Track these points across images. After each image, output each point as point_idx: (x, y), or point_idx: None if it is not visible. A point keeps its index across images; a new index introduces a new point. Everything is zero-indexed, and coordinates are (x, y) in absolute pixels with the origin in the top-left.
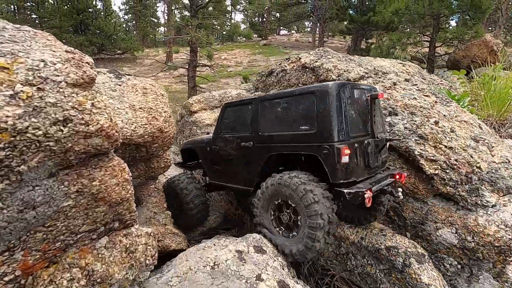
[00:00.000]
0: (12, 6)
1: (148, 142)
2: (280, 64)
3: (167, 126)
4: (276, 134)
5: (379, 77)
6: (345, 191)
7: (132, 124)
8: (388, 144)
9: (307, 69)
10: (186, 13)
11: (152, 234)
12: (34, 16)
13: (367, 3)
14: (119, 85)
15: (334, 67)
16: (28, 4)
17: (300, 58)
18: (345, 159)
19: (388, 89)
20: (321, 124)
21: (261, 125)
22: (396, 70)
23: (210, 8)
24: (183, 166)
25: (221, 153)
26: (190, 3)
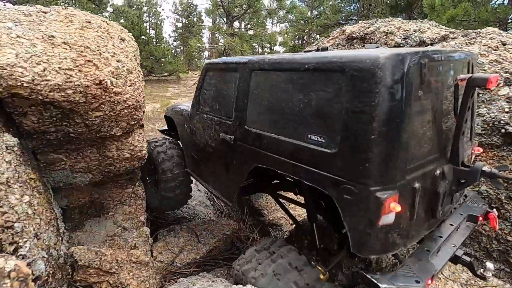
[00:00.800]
0: None
1: (78, 103)
2: (317, 44)
3: (119, 84)
4: (268, 136)
5: (473, 37)
6: (380, 285)
7: (39, 64)
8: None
9: (354, 40)
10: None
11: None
12: None
13: (414, 15)
14: (44, 12)
15: (398, 28)
16: None
17: (344, 30)
18: (388, 218)
19: (495, 50)
20: (349, 140)
21: (248, 112)
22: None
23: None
24: (169, 136)
25: (199, 138)
26: (226, 14)
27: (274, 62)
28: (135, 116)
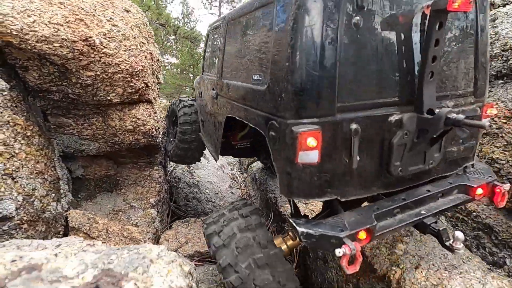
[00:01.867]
0: None
1: (67, 59)
2: None
3: (110, 46)
4: (233, 85)
5: None
6: (298, 229)
7: (29, 17)
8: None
9: None
10: None
11: None
12: None
13: None
14: None
15: None
16: None
17: None
18: (308, 156)
19: None
20: (274, 71)
21: (224, 65)
22: None
23: None
24: None
25: (203, 100)
26: None
27: (240, 8)
28: (131, 84)
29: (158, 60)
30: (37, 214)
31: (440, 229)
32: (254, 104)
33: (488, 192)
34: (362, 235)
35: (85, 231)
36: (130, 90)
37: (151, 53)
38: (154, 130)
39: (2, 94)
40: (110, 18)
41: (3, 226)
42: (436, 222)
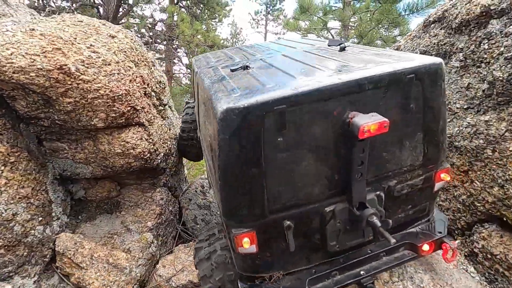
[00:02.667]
0: None
1: (42, 86)
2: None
3: (88, 72)
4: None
5: None
6: None
7: (8, 49)
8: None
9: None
10: None
11: None
12: None
13: None
14: (52, 17)
15: None
16: None
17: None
18: (246, 250)
19: None
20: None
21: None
22: None
23: None
24: None
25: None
26: None
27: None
28: (114, 108)
29: (160, 82)
30: (16, 238)
31: None
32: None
33: (436, 248)
34: None
35: (69, 256)
36: (114, 115)
37: (141, 76)
38: (147, 153)
39: None
40: (91, 45)
41: None
42: (373, 283)
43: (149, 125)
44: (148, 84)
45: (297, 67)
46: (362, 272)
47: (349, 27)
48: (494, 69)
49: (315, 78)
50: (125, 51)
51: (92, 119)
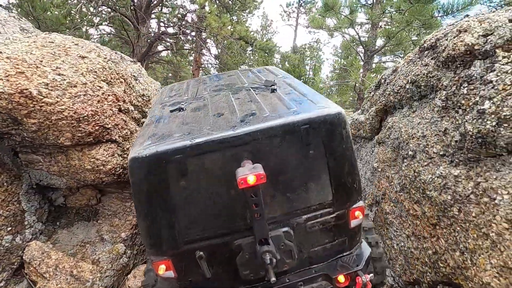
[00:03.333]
0: None
1: (5, 108)
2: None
3: (52, 95)
4: None
5: None
6: None
7: None
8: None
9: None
10: None
11: None
12: None
13: None
14: (27, 36)
15: (480, 22)
16: None
17: (460, 32)
18: (165, 275)
19: None
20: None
21: None
22: None
23: None
24: None
25: None
26: (364, 49)
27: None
28: (80, 129)
29: (143, 95)
30: None
31: None
32: None
33: (351, 280)
34: None
35: (34, 266)
36: (80, 134)
37: (114, 94)
38: (119, 168)
39: None
40: (57, 67)
41: None
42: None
43: (124, 141)
44: (124, 101)
45: (215, 112)
46: None
47: (378, 27)
48: (467, 121)
49: (217, 128)
50: (95, 71)
51: (59, 138)
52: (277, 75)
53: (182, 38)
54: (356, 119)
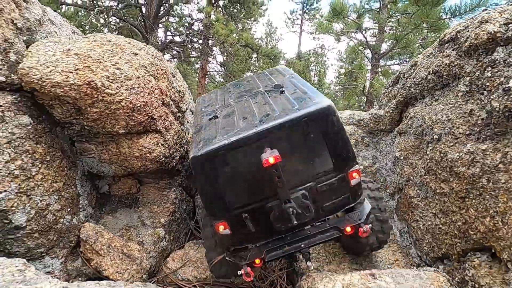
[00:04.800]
0: None
1: (73, 98)
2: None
3: (112, 87)
4: None
5: None
6: (226, 257)
7: (48, 67)
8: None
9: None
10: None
11: None
12: None
13: None
14: (86, 36)
15: (501, 13)
16: None
17: (482, 23)
18: (223, 233)
19: None
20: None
21: None
22: None
23: None
24: None
25: None
26: (371, 53)
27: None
28: (133, 117)
29: (180, 91)
30: (48, 225)
31: (306, 257)
32: None
33: (354, 229)
34: (257, 262)
35: (90, 244)
36: (133, 123)
37: (160, 88)
38: (162, 157)
39: (26, 127)
40: (116, 63)
41: (17, 234)
42: (309, 252)
43: (166, 132)
44: (166, 95)
45: (241, 117)
46: (302, 245)
47: (384, 31)
48: (493, 99)
49: (244, 129)
50: (146, 67)
51: (115, 126)
52: (285, 75)
53: (189, 46)
54: (375, 114)
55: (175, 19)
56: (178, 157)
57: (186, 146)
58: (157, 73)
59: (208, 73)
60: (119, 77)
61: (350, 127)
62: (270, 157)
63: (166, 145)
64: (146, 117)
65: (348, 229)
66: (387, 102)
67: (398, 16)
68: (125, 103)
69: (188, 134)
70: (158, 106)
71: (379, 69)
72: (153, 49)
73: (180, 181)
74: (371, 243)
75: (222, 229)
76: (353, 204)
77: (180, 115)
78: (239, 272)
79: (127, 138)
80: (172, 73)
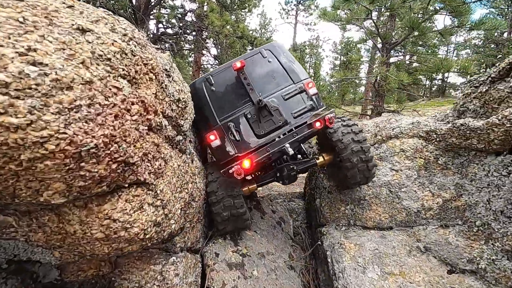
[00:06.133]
0: None
1: None
2: None
3: (19, 108)
4: None
5: None
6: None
7: None
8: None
9: None
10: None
11: None
12: None
13: None
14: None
15: None
16: None
17: None
18: (214, 143)
19: None
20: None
21: None
22: None
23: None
24: None
25: None
26: (382, 41)
27: None
28: (82, 173)
29: (179, 100)
30: None
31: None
32: None
33: (323, 123)
34: (247, 164)
35: None
36: (82, 183)
37: (142, 102)
38: (152, 227)
39: None
40: (29, 49)
41: None
42: (296, 150)
43: (156, 179)
44: (155, 112)
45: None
46: (287, 145)
47: (395, 18)
48: None
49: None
50: (109, 59)
51: (40, 192)
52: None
53: (183, 38)
54: (463, 124)
55: (167, 11)
56: (179, 211)
57: (191, 185)
58: (136, 72)
59: (202, 66)
60: (37, 85)
61: (415, 141)
62: (237, 62)
63: (159, 203)
64: (114, 166)
65: (318, 124)
66: (480, 108)
67: (411, 1)
68: (57, 144)
69: (192, 162)
70: (140, 137)
71: (390, 60)
72: (126, 23)
73: (184, 242)
74: (359, 181)
75: (213, 138)
76: (317, 111)
77: (181, 138)
78: (230, 171)
79: (77, 206)
80: (165, 70)
